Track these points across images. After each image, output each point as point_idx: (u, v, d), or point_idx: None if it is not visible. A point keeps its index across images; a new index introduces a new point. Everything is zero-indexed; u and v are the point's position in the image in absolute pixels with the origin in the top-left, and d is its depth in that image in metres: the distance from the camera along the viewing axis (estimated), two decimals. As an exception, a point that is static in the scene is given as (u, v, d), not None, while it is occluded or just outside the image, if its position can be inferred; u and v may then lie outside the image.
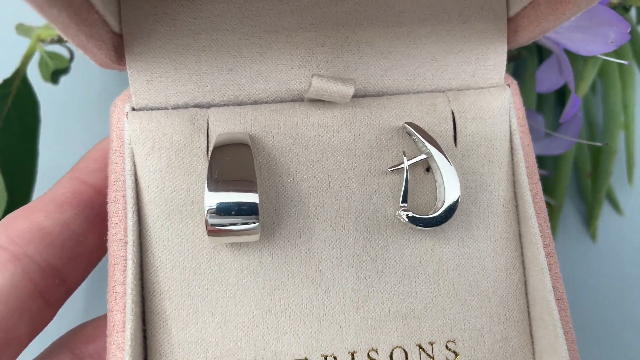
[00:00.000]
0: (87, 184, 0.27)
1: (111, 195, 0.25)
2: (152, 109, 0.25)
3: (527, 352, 0.26)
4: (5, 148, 0.31)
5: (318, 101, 0.26)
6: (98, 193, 0.27)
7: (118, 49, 0.24)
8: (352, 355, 0.25)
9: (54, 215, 0.25)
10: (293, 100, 0.26)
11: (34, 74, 0.34)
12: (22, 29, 0.34)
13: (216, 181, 0.23)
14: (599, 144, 0.33)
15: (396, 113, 0.26)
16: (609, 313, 0.32)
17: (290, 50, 0.25)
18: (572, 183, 0.29)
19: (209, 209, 0.23)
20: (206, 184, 0.23)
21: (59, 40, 0.34)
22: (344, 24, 0.25)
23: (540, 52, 0.34)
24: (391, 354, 0.25)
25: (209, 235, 0.23)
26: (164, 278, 0.24)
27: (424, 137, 0.25)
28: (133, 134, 0.25)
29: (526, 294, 0.26)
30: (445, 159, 0.25)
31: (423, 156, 0.25)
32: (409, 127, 0.25)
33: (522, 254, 0.26)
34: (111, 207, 0.24)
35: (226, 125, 0.25)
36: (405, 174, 0.25)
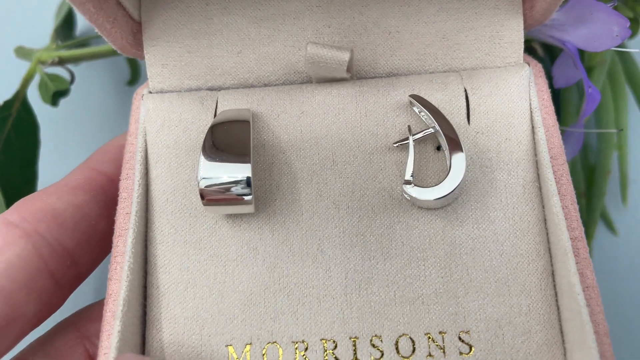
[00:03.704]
0: (100, 172, 0.27)
1: (123, 172, 0.25)
2: (167, 92, 0.26)
3: (555, 350, 0.23)
4: (5, 170, 0.32)
5: (325, 82, 0.26)
6: (111, 181, 0.27)
7: (137, 35, 0.26)
8: (354, 341, 0.23)
9: (66, 197, 0.26)
10: (301, 83, 0.26)
11: (33, 96, 0.34)
12: (22, 52, 0.35)
13: (211, 151, 0.23)
14: (613, 130, 0.32)
15: (404, 91, 0.25)
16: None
17: (298, 33, 0.26)
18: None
19: (203, 178, 0.23)
20: (201, 154, 0.23)
21: (60, 62, 0.34)
22: (350, 5, 0.26)
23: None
24: (397, 342, 0.23)
25: (204, 205, 0.23)
26: (164, 251, 0.24)
27: (427, 109, 0.24)
28: (146, 113, 0.26)
29: (554, 286, 0.24)
30: (451, 129, 0.23)
31: (430, 130, 0.24)
32: (413, 100, 0.24)
33: (547, 240, 0.24)
34: (122, 184, 0.25)
35: (234, 105, 0.26)
36: (410, 148, 0.24)
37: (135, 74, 0.38)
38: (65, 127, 0.38)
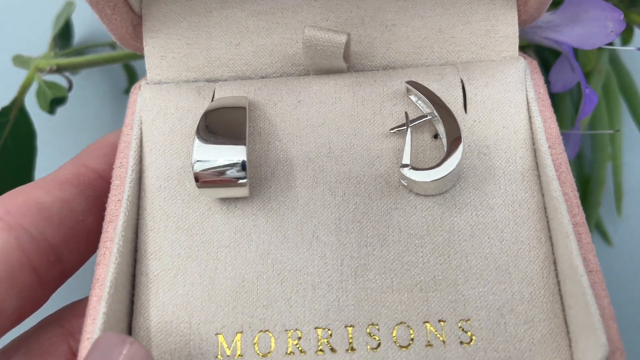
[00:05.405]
0: (89, 167, 0.27)
1: (117, 162, 0.25)
2: (164, 84, 0.26)
3: (560, 340, 0.22)
4: (1, 177, 0.31)
5: (323, 74, 0.26)
6: (100, 177, 0.26)
7: (137, 28, 0.26)
8: (349, 329, 0.22)
9: (53, 192, 0.25)
10: (299, 75, 0.26)
11: (31, 103, 0.34)
12: (19, 61, 0.35)
13: (206, 134, 0.23)
14: (610, 131, 0.32)
15: (401, 81, 0.25)
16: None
17: (295, 25, 0.26)
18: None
19: (197, 161, 0.23)
20: (195, 137, 0.23)
21: (58, 70, 0.34)
22: (348, -1, 0.26)
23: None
24: (394, 330, 0.22)
25: (198, 187, 0.23)
26: (155, 238, 0.24)
27: (424, 94, 0.24)
28: (143, 102, 0.26)
29: (557, 274, 0.23)
30: (448, 112, 0.23)
31: (427, 117, 0.24)
32: (410, 87, 0.24)
33: (548, 228, 0.23)
34: (115, 172, 0.25)
35: (231, 94, 0.26)
36: (407, 135, 0.24)
37: (132, 83, 0.38)
38: (62, 135, 0.38)
